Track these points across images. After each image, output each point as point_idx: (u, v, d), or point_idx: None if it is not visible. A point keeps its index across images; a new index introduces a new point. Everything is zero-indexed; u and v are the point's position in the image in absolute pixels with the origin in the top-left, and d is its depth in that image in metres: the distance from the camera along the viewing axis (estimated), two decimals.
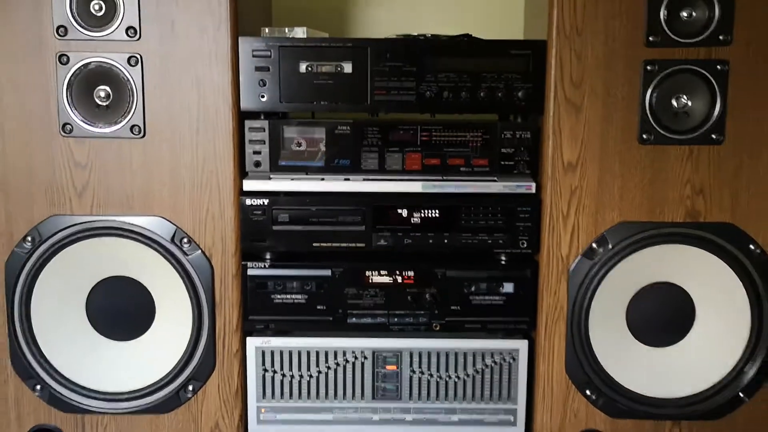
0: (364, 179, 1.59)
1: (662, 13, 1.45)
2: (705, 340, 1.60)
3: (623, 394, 1.59)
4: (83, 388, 1.62)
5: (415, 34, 1.64)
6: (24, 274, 1.57)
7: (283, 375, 1.62)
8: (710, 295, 1.58)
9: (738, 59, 1.47)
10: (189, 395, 1.61)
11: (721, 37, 1.45)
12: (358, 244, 1.61)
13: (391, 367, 1.65)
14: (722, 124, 1.48)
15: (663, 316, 1.60)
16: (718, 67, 1.47)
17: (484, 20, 2.07)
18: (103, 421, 1.62)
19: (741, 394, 1.58)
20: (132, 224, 1.56)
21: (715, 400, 1.59)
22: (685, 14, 1.45)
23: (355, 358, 1.62)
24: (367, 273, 1.61)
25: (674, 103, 1.49)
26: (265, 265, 1.61)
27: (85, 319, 1.62)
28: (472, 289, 1.61)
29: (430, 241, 1.59)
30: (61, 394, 1.61)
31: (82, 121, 1.51)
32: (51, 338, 1.61)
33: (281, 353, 1.62)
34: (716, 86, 1.48)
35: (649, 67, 1.47)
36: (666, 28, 1.45)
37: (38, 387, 1.60)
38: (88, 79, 1.51)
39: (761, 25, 1.45)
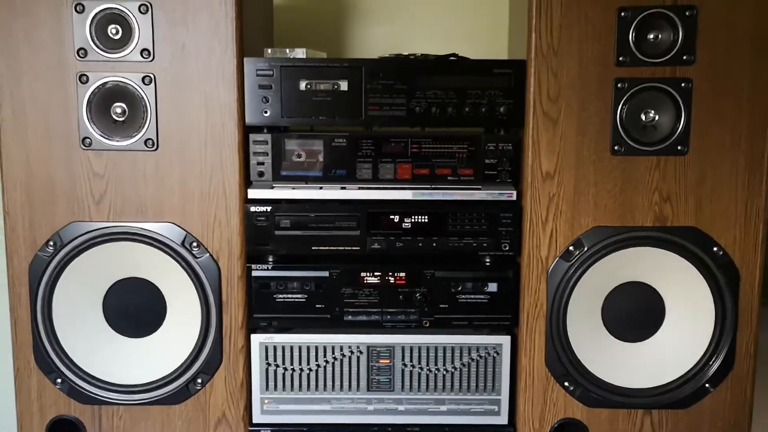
0: (359, 188, 1.64)
1: (631, 36, 1.51)
2: (674, 335, 1.65)
3: (599, 386, 1.64)
4: (100, 381, 1.66)
5: (407, 53, 1.69)
6: (46, 276, 1.61)
7: (285, 369, 1.67)
8: (678, 294, 1.63)
9: (700, 77, 1.52)
10: (198, 387, 1.66)
11: (684, 57, 1.52)
12: (354, 248, 1.65)
13: (384, 361, 1.68)
14: (687, 136, 1.54)
15: (635, 313, 1.65)
16: (682, 84, 1.53)
17: (472, 37, 2.13)
18: (118, 412, 1.67)
19: (707, 385, 1.63)
20: (145, 230, 1.61)
21: (683, 390, 1.64)
22: (651, 36, 1.51)
23: (351, 352, 1.67)
24: (362, 274, 1.66)
25: (643, 117, 1.55)
26: (268, 267, 1.65)
27: (102, 318, 1.66)
28: (459, 288, 1.66)
29: (420, 244, 1.65)
30: (79, 386, 1.66)
31: (100, 135, 1.57)
32: (71, 335, 1.65)
33: (283, 348, 1.67)
34: (681, 102, 1.53)
35: (619, 85, 1.53)
36: (634, 49, 1.52)
37: (59, 380, 1.65)
38: (105, 97, 1.57)
39: (721, 46, 1.51)
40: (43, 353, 1.64)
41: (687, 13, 1.49)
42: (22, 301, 1.62)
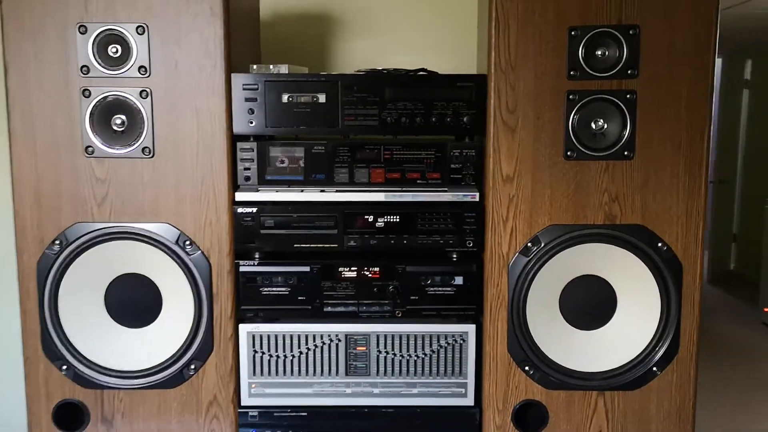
0: (337, 191, 1.72)
1: (581, 52, 1.61)
2: (624, 323, 1.73)
3: (556, 369, 1.72)
4: (102, 367, 1.73)
5: (381, 67, 1.79)
6: (53, 272, 1.68)
7: (271, 356, 1.75)
8: (628, 286, 1.72)
9: (643, 89, 1.62)
10: (191, 373, 1.73)
11: (629, 72, 1.61)
12: (332, 245, 1.73)
13: (361, 348, 1.76)
14: (632, 143, 1.64)
15: (590, 304, 1.73)
16: (628, 96, 1.62)
17: (444, 51, 2.22)
18: (119, 395, 1.74)
19: (654, 368, 1.72)
20: (143, 230, 1.68)
21: (633, 373, 1.72)
22: (599, 53, 1.61)
23: (331, 340, 1.75)
24: (340, 269, 1.74)
25: (593, 125, 1.64)
26: (254, 263, 1.73)
27: (104, 310, 1.73)
28: (428, 282, 1.74)
29: (392, 242, 1.73)
30: (83, 372, 1.72)
31: (101, 143, 1.65)
32: (75, 326, 1.72)
33: (269, 337, 1.75)
34: (626, 112, 1.63)
35: (570, 96, 1.63)
36: (584, 64, 1.62)
37: (64, 367, 1.72)
38: (106, 109, 1.65)
39: (661, 61, 1.61)
40: (50, 342, 1.71)
41: (630, 32, 1.60)
42: (31, 295, 1.69)
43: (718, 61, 7.02)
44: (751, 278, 6.68)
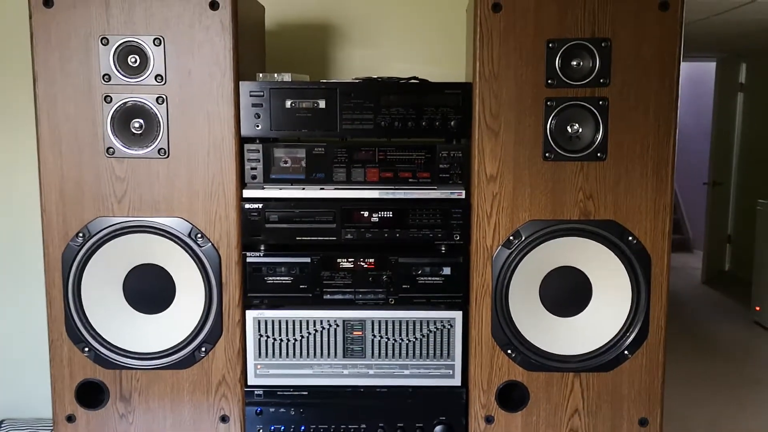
0: (335, 188, 1.83)
1: (557, 63, 1.73)
2: (599, 311, 1.83)
3: (536, 353, 1.82)
4: (121, 349, 1.82)
5: (376, 76, 1.91)
6: (76, 263, 1.78)
7: (275, 339, 1.85)
8: (602, 276, 1.82)
9: (615, 96, 1.73)
10: (202, 355, 1.83)
11: (601, 80, 1.73)
12: (331, 238, 1.83)
13: (357, 333, 1.86)
14: (605, 145, 1.75)
15: (567, 292, 1.83)
16: (600, 102, 1.73)
17: (436, 59, 2.33)
18: (135, 375, 1.84)
19: (626, 352, 1.82)
20: (158, 224, 1.78)
21: (606, 356, 1.83)
22: (574, 63, 1.73)
23: (329, 325, 1.85)
24: (338, 260, 1.84)
25: (568, 129, 1.75)
26: (260, 254, 1.83)
27: (122, 297, 1.82)
28: (419, 272, 1.84)
29: (386, 235, 1.83)
30: (103, 354, 1.82)
31: (121, 145, 1.76)
32: (96, 311, 1.81)
33: (273, 322, 1.85)
34: (599, 117, 1.74)
35: (548, 103, 1.74)
36: (560, 74, 1.73)
37: (86, 349, 1.82)
38: (126, 114, 1.75)
39: (630, 71, 1.72)
40: (73, 326, 1.81)
41: (603, 45, 1.72)
42: (56, 284, 1.80)
43: (713, 65, 7.16)
44: (745, 278, 6.78)
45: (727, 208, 7.70)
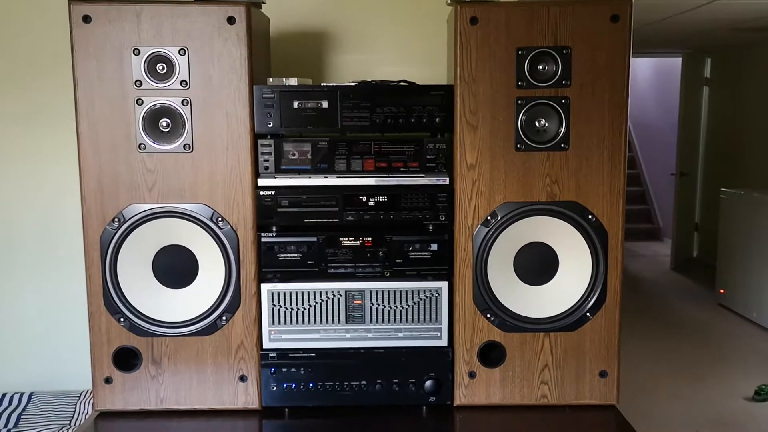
0: (337, 177, 1.96)
1: (526, 67, 1.93)
2: (564, 279, 1.99)
3: (511, 316, 1.98)
4: (152, 319, 1.96)
5: (370, 79, 2.12)
6: (112, 244, 1.91)
7: (286, 308, 1.99)
8: (567, 250, 1.98)
9: (575, 95, 1.91)
10: (223, 323, 1.96)
11: (563, 82, 1.90)
12: (334, 220, 1.96)
13: (357, 302, 1.99)
14: (567, 137, 1.92)
15: (537, 264, 1.99)
16: (563, 101, 1.90)
17: (424, 62, 2.54)
18: (165, 342, 1.99)
19: (587, 314, 2.00)
20: (184, 209, 1.90)
21: (571, 318, 2.00)
22: (540, 68, 1.93)
23: (333, 296, 1.99)
24: (340, 239, 1.96)
25: (536, 124, 1.91)
26: (273, 235, 1.95)
27: (151, 274, 1.95)
28: (410, 248, 1.98)
29: (381, 216, 1.97)
30: (137, 323, 1.96)
31: (151, 141, 1.89)
32: (130, 286, 1.94)
33: (284, 294, 1.98)
34: (562, 113, 1.90)
35: (519, 102, 1.90)
36: (529, 77, 1.91)
37: (122, 319, 1.95)
38: (155, 115, 1.87)
39: (587, 74, 1.94)
40: (111, 300, 1.94)
41: (564, 52, 1.95)
42: (95, 262, 1.95)
43: (678, 60, 7.46)
44: (712, 264, 7.11)
45: (695, 197, 7.97)
